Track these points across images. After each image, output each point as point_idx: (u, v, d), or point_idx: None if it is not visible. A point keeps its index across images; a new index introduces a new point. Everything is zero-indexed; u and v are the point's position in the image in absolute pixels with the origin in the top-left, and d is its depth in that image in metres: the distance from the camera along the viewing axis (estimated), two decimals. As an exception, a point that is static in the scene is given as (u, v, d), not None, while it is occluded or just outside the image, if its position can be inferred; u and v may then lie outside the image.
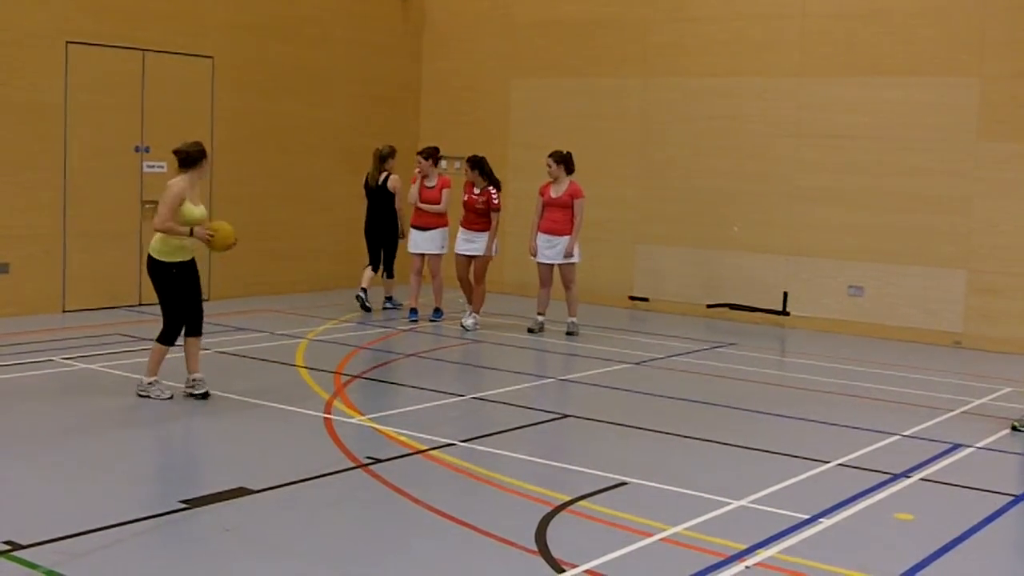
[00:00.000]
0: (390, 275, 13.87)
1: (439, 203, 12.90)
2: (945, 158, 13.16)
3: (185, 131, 11.39)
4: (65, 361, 9.87)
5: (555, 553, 5.51)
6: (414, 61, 16.86)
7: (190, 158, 8.48)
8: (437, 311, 13.19)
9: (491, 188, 12.51)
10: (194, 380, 8.69)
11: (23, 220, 12.21)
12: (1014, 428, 8.76)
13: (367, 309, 13.57)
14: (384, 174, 13.62)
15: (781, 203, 14.17)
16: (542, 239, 12.59)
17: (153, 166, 13.16)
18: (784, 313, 14.19)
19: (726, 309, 14.55)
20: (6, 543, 5.34)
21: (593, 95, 15.50)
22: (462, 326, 12.58)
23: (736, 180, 14.46)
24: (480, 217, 12.56)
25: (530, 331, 12.58)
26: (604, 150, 15.14)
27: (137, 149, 13.13)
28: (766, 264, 14.30)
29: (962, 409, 9.57)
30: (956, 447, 8.16)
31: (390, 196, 13.58)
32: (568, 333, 12.54)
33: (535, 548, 5.59)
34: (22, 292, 12.17)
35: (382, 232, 13.73)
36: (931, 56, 13.23)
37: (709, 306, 14.65)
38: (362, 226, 13.90)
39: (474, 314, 12.68)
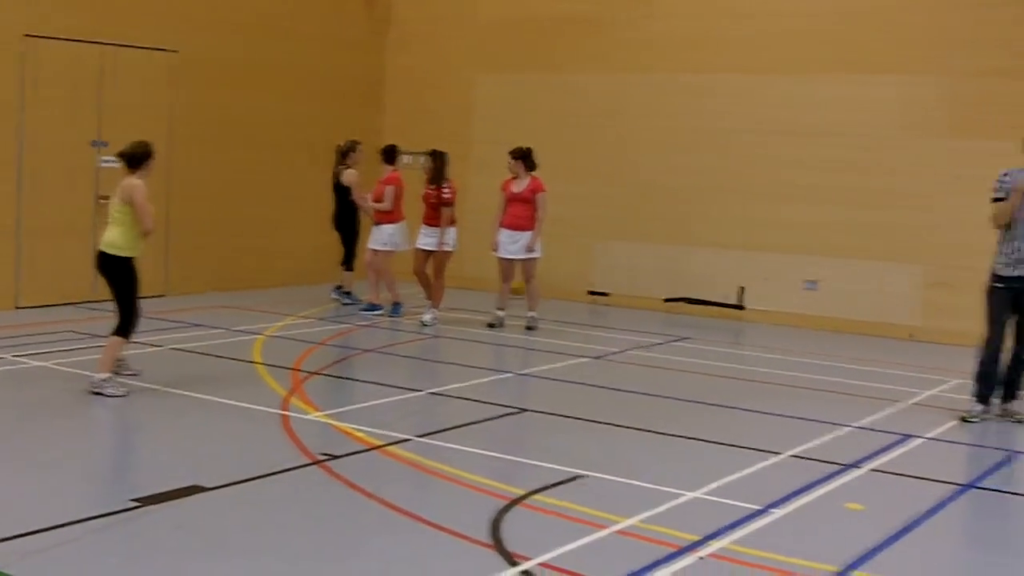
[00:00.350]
0: (348, 268, 13.88)
1: (381, 200, 12.93)
2: (904, 154, 13.32)
3: (144, 127, 11.31)
4: (17, 358, 9.79)
5: (510, 547, 5.54)
6: (378, 57, 16.84)
7: (135, 159, 8.63)
8: (395, 306, 13.17)
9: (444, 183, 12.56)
10: (119, 362, 8.93)
11: (-24, 217, 12.10)
12: (963, 419, 8.89)
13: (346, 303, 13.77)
14: (343, 168, 13.62)
15: (739, 199, 14.27)
16: (505, 234, 12.61)
17: (109, 161, 13.04)
18: (741, 307, 14.30)
19: (684, 304, 14.64)
20: (-44, 542, 5.30)
21: (558, 91, 15.54)
22: (421, 322, 12.58)
23: (696, 176, 14.56)
24: (436, 212, 12.58)
25: (490, 326, 12.61)
26: (568, 146, 15.17)
27: (94, 144, 13.03)
28: (724, 259, 14.40)
29: (913, 401, 9.71)
30: (907, 438, 8.27)
31: (347, 190, 13.58)
32: (527, 328, 12.57)
33: (490, 542, 5.61)
34: (-24, 289, 12.04)
35: (340, 226, 13.76)
36: (895, 54, 13.38)
37: (666, 300, 14.74)
38: (326, 221, 13.92)
39: (433, 309, 12.68)
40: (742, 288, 14.30)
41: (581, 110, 15.36)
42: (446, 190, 12.52)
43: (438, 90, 16.47)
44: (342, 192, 13.63)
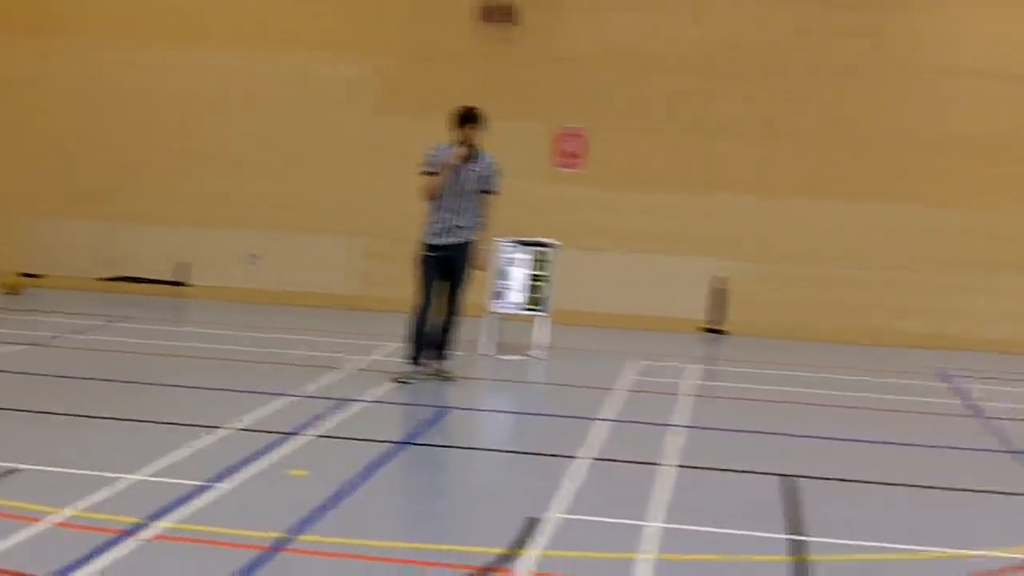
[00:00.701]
0: None
1: None
2: (339, 131, 13.81)
3: None
4: None
5: (-68, 553, 5.10)
6: None
7: None
8: None
9: None
10: None
11: None
12: (398, 381, 9.44)
13: None
14: None
15: (182, 174, 14.08)
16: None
17: None
18: (183, 284, 14.13)
19: (124, 282, 14.20)
20: None
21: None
22: None
23: (137, 153, 14.16)
24: None
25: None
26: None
27: None
28: (166, 236, 14.14)
29: (353, 367, 10.15)
30: (347, 402, 8.64)
31: None
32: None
33: (-92, 550, 5.13)
34: None
35: None
36: (328, 33, 13.81)
37: (104, 279, 14.21)
38: None
39: None
40: (182, 264, 14.11)
41: (6, 82, 14.32)
42: None
43: None
44: None
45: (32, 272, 14.40)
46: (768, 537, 5.96)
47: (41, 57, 14.27)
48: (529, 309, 11.43)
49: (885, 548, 5.92)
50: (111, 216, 14.22)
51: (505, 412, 9.48)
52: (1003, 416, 9.55)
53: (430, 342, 9.59)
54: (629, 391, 9.90)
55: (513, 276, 11.43)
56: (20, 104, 14.30)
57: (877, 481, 7.25)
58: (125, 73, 14.12)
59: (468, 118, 9.39)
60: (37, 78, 14.28)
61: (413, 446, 7.61)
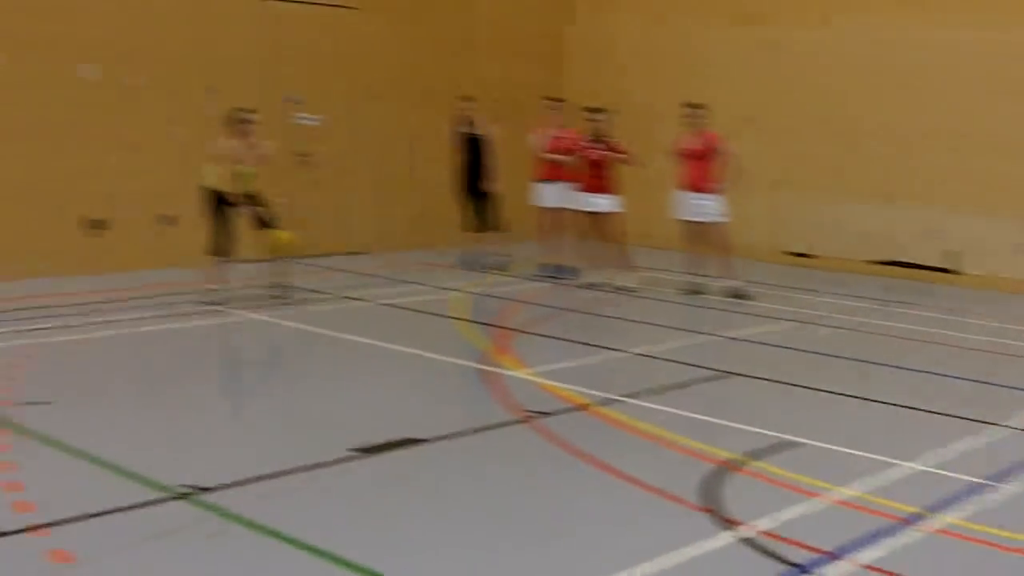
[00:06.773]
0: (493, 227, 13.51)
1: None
2: None
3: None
4: (238, 311, 10.18)
5: (723, 511, 5.41)
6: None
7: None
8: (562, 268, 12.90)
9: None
10: None
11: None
12: None
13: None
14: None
15: (948, 155, 13.56)
16: (688, 195, 12.00)
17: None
18: (954, 272, 13.52)
19: (893, 267, 13.93)
20: (189, 487, 5.50)
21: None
22: (621, 286, 12.18)
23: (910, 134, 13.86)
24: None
25: (691, 292, 12.09)
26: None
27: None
28: (934, 219, 13.67)
29: None
30: None
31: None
32: (736, 295, 11.87)
33: (701, 504, 5.50)
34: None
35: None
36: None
37: (873, 262, 14.02)
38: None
39: (628, 270, 12.31)
40: (951, 252, 13.55)
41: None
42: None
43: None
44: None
45: (801, 252, 14.69)
46: None
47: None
48: None
49: None
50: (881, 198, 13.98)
51: None
52: None
53: None
54: None
55: None
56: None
57: None
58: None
59: None
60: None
61: None
